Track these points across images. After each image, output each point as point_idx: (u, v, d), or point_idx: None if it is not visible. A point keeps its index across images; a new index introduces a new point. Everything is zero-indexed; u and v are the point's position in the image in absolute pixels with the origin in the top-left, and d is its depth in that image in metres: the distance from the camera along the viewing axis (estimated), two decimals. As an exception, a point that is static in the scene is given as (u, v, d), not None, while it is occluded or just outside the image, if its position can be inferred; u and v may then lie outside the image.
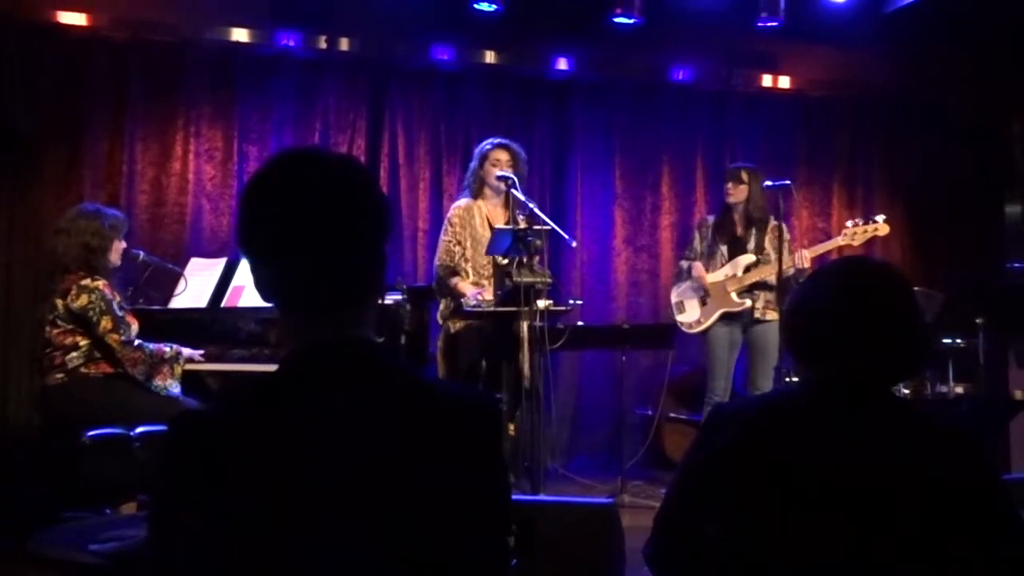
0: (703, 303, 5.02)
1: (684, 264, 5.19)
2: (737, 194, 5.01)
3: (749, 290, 4.94)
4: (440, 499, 1.18)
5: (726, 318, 4.96)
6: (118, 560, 1.97)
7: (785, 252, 4.88)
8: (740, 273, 4.95)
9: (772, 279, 4.89)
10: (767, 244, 5.00)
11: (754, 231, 5.02)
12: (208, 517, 1.11)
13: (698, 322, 5.01)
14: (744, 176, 5.02)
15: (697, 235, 5.22)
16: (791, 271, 4.83)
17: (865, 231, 4.88)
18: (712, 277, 4.99)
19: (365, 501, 1.14)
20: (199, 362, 4.26)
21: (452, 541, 1.19)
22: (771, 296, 4.94)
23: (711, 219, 5.22)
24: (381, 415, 1.19)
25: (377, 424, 1.18)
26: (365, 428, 1.17)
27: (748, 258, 4.97)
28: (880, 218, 4.94)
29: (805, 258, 4.82)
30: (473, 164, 4.81)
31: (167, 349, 4.06)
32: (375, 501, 1.14)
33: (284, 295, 1.26)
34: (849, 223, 5.00)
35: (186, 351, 4.16)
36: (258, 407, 1.18)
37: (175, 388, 4.02)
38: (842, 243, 4.94)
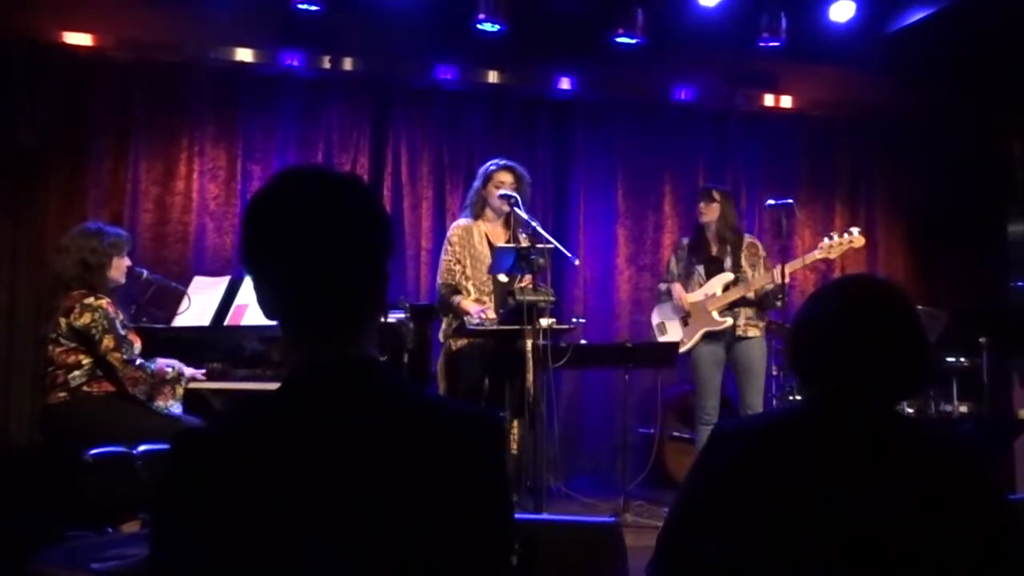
0: (684, 323, 5.03)
1: (663, 287, 5.19)
2: (709, 213, 5.03)
3: (730, 308, 4.95)
4: (442, 518, 1.18)
5: (708, 337, 4.96)
6: (120, 579, 1.96)
7: (761, 268, 4.97)
8: (719, 292, 4.96)
9: (752, 295, 4.92)
10: (743, 261, 5.02)
11: (729, 249, 5.04)
12: (209, 534, 1.11)
13: (681, 342, 5.01)
14: (716, 195, 5.05)
15: (674, 258, 5.23)
16: (770, 286, 4.86)
17: (840, 244, 4.92)
18: (692, 297, 5.00)
19: (366, 520, 1.14)
20: (201, 381, 4.25)
21: (454, 560, 1.18)
22: (751, 313, 4.96)
23: (686, 241, 5.23)
24: (383, 434, 1.19)
25: (378, 443, 1.18)
26: (366, 447, 1.17)
27: (726, 276, 4.98)
28: (855, 230, 4.97)
29: (784, 272, 4.83)
30: (476, 184, 4.82)
31: (169, 370, 4.05)
32: (376, 520, 1.14)
33: (286, 313, 1.26)
34: (826, 238, 5.02)
35: (188, 371, 4.15)
36: (260, 425, 1.18)
37: (176, 408, 4.01)
38: (819, 256, 4.97)
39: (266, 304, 1.26)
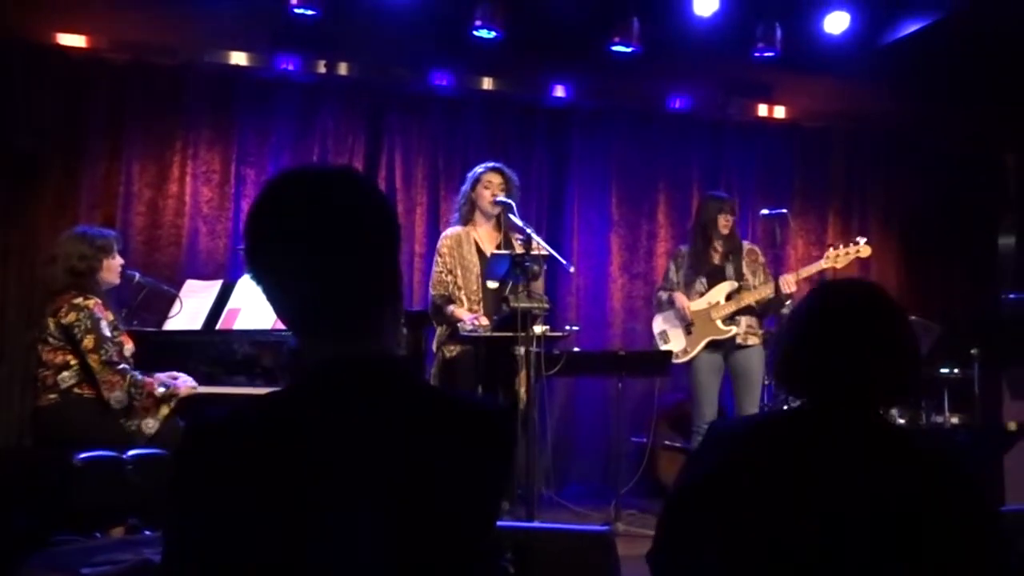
0: (687, 332, 5.01)
1: (663, 295, 5.14)
2: (731, 224, 5.02)
3: (732, 317, 4.95)
4: (452, 502, 1.20)
5: (711, 346, 4.96)
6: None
7: (761, 275, 4.99)
8: (722, 300, 4.95)
9: (754, 304, 4.93)
10: (745, 269, 5.02)
11: (731, 257, 5.04)
12: (221, 524, 1.10)
13: (684, 351, 4.99)
14: (735, 206, 5.06)
15: (673, 265, 5.19)
16: (771, 295, 4.86)
17: (847, 253, 4.93)
18: (694, 306, 4.98)
19: (379, 509, 1.14)
20: (193, 390, 4.07)
21: (459, 543, 1.21)
22: (752, 321, 4.96)
23: (684, 248, 5.20)
24: (395, 425, 1.19)
25: (391, 433, 1.18)
26: (378, 437, 1.17)
27: (730, 284, 4.98)
28: (861, 240, 4.99)
29: (789, 283, 4.84)
30: (465, 188, 4.81)
31: (160, 389, 3.91)
32: (389, 508, 1.15)
33: (295, 316, 1.25)
34: (832, 247, 5.04)
35: (183, 387, 4.00)
36: (273, 418, 1.17)
37: (151, 426, 3.86)
38: (825, 266, 4.97)
39: (277, 309, 1.26)
